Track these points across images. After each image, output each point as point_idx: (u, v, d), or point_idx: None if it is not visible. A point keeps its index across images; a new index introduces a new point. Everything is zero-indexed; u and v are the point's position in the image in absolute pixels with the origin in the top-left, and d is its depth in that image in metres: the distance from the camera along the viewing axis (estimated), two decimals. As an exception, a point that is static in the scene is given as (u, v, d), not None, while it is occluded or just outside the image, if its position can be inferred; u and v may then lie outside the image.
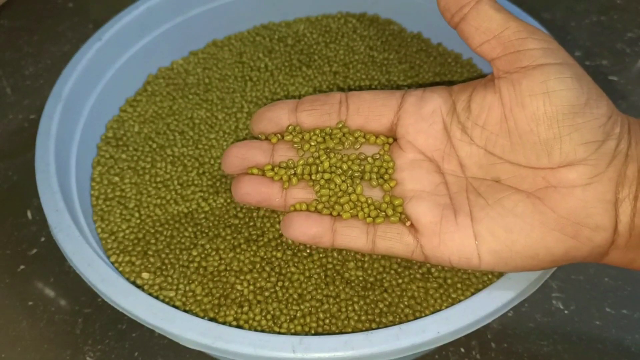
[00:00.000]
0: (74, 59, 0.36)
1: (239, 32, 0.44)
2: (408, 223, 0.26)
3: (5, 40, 0.52)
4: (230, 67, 0.41)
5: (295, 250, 0.32)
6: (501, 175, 0.24)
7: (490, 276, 0.31)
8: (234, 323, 0.29)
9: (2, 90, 0.48)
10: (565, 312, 0.35)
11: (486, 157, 0.25)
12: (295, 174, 0.29)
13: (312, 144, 0.29)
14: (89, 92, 0.37)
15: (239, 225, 0.33)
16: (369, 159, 0.28)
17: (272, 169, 0.29)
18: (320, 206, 0.28)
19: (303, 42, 0.43)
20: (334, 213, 0.28)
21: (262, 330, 0.29)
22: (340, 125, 0.29)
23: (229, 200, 0.34)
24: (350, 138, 0.29)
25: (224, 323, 0.29)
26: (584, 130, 0.22)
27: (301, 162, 0.29)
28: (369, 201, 0.28)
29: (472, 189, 0.25)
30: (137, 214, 0.34)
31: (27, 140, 0.45)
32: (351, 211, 0.28)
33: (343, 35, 0.43)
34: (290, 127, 0.29)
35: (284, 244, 0.32)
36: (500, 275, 0.31)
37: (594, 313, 0.35)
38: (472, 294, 0.30)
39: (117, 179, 0.35)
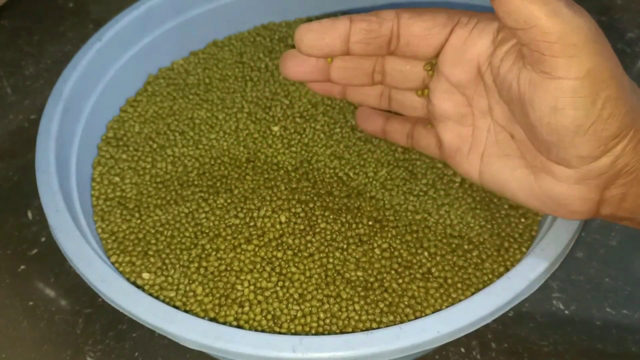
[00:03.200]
0: (75, 59, 0.36)
1: (240, 32, 0.44)
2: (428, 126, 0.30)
3: (5, 40, 0.52)
4: (230, 68, 0.41)
5: (296, 251, 0.32)
6: (515, 134, 0.25)
7: (490, 276, 0.31)
8: (235, 323, 0.30)
9: (3, 90, 0.48)
10: (566, 312, 0.35)
11: (507, 112, 0.26)
12: None
13: None
14: (89, 92, 0.37)
15: (240, 225, 0.33)
16: None
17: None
18: None
19: (303, 42, 0.43)
20: None
21: (263, 330, 0.29)
22: None
23: (229, 201, 0.34)
24: None
25: (224, 323, 0.29)
26: (581, 147, 0.22)
27: None
28: None
29: (492, 133, 0.26)
30: (137, 214, 0.34)
31: (27, 141, 0.45)
32: None
33: (343, 36, 0.43)
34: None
35: (284, 244, 0.32)
36: (500, 275, 0.31)
37: (595, 313, 0.35)
38: (473, 293, 0.30)
39: (117, 179, 0.35)
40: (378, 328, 0.27)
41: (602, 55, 0.22)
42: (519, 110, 0.24)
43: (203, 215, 0.33)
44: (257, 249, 0.32)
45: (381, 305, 0.30)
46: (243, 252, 0.32)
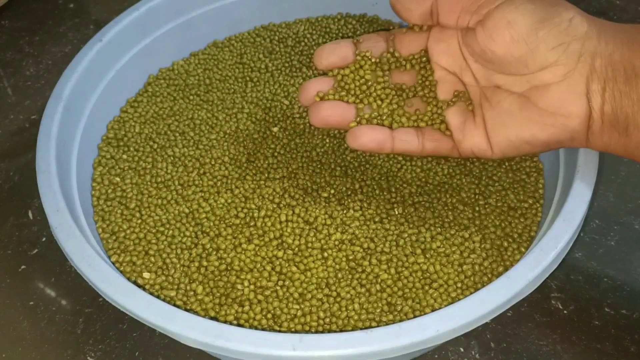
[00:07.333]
0: (75, 60, 0.36)
1: (240, 33, 0.44)
2: (448, 133, 0.31)
3: (6, 41, 0.52)
4: (230, 68, 0.42)
5: (296, 250, 0.32)
6: (498, 82, 0.29)
7: (490, 276, 0.31)
8: (235, 322, 0.30)
9: (3, 90, 0.48)
10: (565, 312, 0.35)
11: (486, 71, 0.30)
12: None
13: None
14: (89, 93, 0.37)
15: (240, 225, 0.33)
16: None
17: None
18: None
19: (303, 43, 0.43)
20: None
21: (263, 329, 0.29)
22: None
23: (229, 201, 0.34)
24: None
25: (224, 322, 0.30)
26: (548, 39, 0.27)
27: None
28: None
29: (484, 95, 0.30)
30: (138, 214, 0.34)
31: (28, 141, 0.45)
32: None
33: (343, 37, 0.43)
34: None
35: (284, 244, 0.32)
36: (499, 274, 0.31)
37: (593, 313, 0.35)
38: (471, 293, 0.30)
39: (118, 179, 0.35)
40: (377, 327, 0.27)
41: None
42: (487, 59, 0.29)
43: (204, 215, 0.34)
44: (257, 248, 0.32)
45: (381, 304, 0.30)
46: (243, 252, 0.32)
